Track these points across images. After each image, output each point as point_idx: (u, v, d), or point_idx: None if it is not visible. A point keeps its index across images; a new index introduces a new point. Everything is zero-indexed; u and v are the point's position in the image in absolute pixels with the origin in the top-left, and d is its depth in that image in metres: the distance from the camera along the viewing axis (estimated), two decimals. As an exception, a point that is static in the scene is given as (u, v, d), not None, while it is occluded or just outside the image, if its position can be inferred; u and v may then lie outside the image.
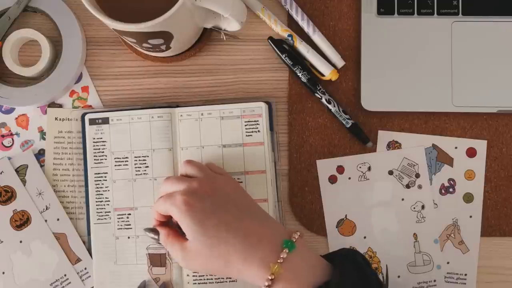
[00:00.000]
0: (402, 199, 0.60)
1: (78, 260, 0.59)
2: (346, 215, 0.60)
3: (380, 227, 0.59)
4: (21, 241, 0.59)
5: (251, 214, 0.50)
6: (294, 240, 0.48)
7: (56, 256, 0.59)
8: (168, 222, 0.54)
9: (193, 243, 0.49)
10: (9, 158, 0.60)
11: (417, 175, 0.60)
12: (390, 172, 0.60)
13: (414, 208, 0.59)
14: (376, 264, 0.59)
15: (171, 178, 0.53)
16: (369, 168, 0.60)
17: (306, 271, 0.47)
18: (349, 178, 0.60)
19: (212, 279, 0.57)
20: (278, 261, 0.46)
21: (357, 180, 0.60)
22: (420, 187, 0.60)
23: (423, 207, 0.59)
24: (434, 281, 0.59)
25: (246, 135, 0.59)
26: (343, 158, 0.60)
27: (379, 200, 0.59)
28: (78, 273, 0.59)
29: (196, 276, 0.57)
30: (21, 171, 0.60)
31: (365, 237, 0.60)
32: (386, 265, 0.59)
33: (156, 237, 0.54)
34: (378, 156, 0.60)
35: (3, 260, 0.59)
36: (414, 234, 0.59)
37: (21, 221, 0.59)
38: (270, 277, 0.45)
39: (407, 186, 0.60)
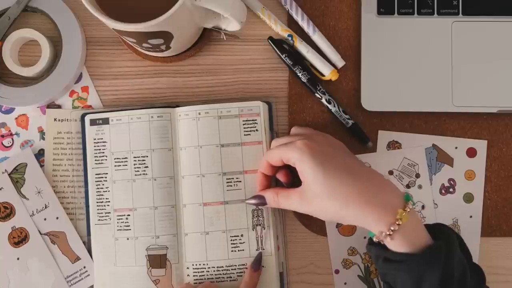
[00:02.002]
0: (402, 199, 0.60)
1: (78, 258, 0.59)
2: (346, 215, 0.60)
3: (380, 227, 0.59)
4: (18, 258, 0.59)
5: (368, 167, 0.52)
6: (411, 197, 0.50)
7: (52, 274, 0.59)
8: (268, 186, 0.56)
9: (312, 184, 0.50)
10: (8, 157, 0.60)
11: (417, 175, 0.60)
12: (390, 172, 0.60)
13: (415, 208, 0.59)
14: (376, 264, 0.59)
15: (283, 136, 0.56)
16: (369, 168, 0.60)
17: (421, 230, 0.48)
18: None
19: (212, 278, 0.57)
20: (406, 209, 0.47)
21: None
22: (420, 187, 0.60)
23: (423, 207, 0.59)
24: None
25: (245, 134, 0.59)
26: None
27: None
28: (77, 272, 0.59)
29: (197, 275, 0.57)
30: (20, 170, 0.60)
31: (365, 237, 0.59)
32: None
33: (261, 201, 0.55)
34: (378, 156, 0.60)
35: (0, 276, 0.59)
36: None
37: (19, 238, 0.59)
38: (397, 222, 0.47)
39: (407, 186, 0.60)
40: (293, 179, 0.56)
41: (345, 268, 0.60)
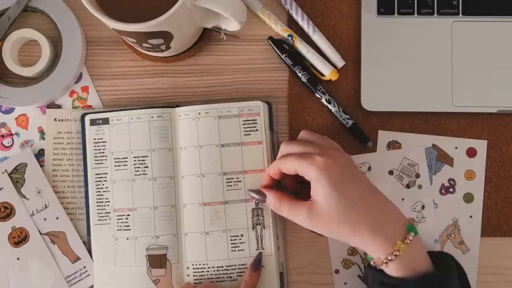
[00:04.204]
0: (402, 199, 0.60)
1: (78, 258, 0.59)
2: (346, 215, 0.60)
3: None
4: (18, 258, 0.59)
5: (378, 193, 0.52)
6: (416, 226, 0.51)
7: (52, 274, 0.59)
8: (272, 186, 0.56)
9: (324, 205, 0.50)
10: (8, 157, 0.60)
11: (417, 175, 0.60)
12: (390, 172, 0.60)
13: (414, 208, 0.59)
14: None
15: (294, 141, 0.55)
16: (369, 168, 0.60)
17: (420, 257, 0.49)
18: None
19: (212, 278, 0.57)
20: (405, 241, 0.48)
21: None
22: (420, 187, 0.60)
23: (423, 207, 0.59)
24: None
25: (245, 134, 0.59)
26: None
27: None
28: (77, 272, 0.59)
29: (197, 275, 0.57)
30: (20, 170, 0.60)
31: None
32: None
33: (262, 198, 0.55)
34: (378, 156, 0.60)
35: (0, 276, 0.59)
36: None
37: (19, 238, 0.59)
38: (395, 253, 0.48)
39: (407, 186, 0.60)
40: (297, 187, 0.57)
41: (345, 268, 0.60)
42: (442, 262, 0.50)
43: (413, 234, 0.49)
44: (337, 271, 0.60)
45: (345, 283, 0.60)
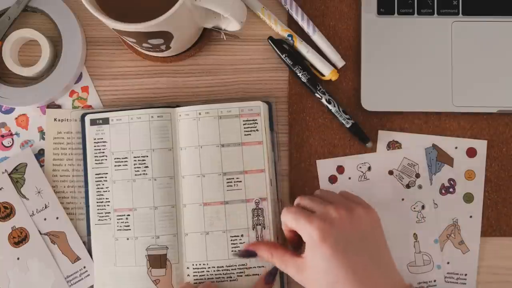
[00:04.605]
0: (402, 199, 0.60)
1: (78, 258, 0.59)
2: (346, 215, 0.60)
3: (380, 227, 0.59)
4: (18, 258, 0.59)
5: (378, 260, 0.49)
6: None
7: (52, 274, 0.59)
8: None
9: (311, 272, 0.48)
10: (8, 157, 0.60)
11: (417, 175, 0.60)
12: (390, 172, 0.60)
13: (414, 208, 0.59)
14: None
15: (307, 196, 0.52)
16: (369, 168, 0.60)
17: None
18: (349, 178, 0.60)
19: (212, 278, 0.57)
20: None
21: (357, 180, 0.60)
22: (420, 187, 0.60)
23: (423, 207, 0.59)
24: (434, 281, 0.59)
25: (245, 134, 0.59)
26: (343, 158, 0.60)
27: (379, 200, 0.59)
28: (77, 272, 0.59)
29: (197, 276, 0.57)
30: (20, 170, 0.60)
31: None
32: None
33: (253, 256, 0.54)
34: (378, 156, 0.60)
35: (0, 276, 0.59)
36: (414, 234, 0.59)
37: (19, 238, 0.59)
38: None
39: (407, 186, 0.60)
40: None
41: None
42: None
43: None
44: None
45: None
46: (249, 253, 0.55)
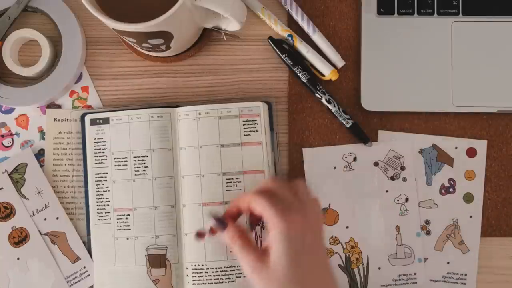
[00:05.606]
0: (386, 191, 0.60)
1: (78, 259, 0.59)
2: (329, 204, 0.60)
3: (363, 217, 0.59)
4: (18, 258, 0.59)
5: (329, 270, 0.49)
6: None
7: (52, 274, 0.59)
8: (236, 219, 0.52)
9: (275, 265, 0.46)
10: (8, 157, 0.60)
11: (402, 168, 0.60)
12: (376, 164, 0.60)
13: (398, 200, 0.59)
14: (358, 254, 0.59)
15: (279, 181, 0.51)
16: (354, 159, 0.60)
17: None
18: (334, 168, 0.60)
19: (211, 279, 0.57)
20: None
21: (342, 170, 0.60)
22: (404, 179, 0.60)
23: (406, 199, 0.59)
24: (415, 274, 0.59)
25: (245, 135, 0.59)
26: (329, 147, 0.60)
27: (363, 190, 0.59)
28: (77, 272, 0.59)
29: (196, 276, 0.57)
30: (20, 170, 0.60)
31: (347, 227, 0.59)
32: (367, 256, 0.59)
33: (221, 226, 0.50)
34: (364, 147, 0.60)
35: (0, 276, 0.59)
36: (397, 226, 0.59)
37: (19, 238, 0.59)
38: None
39: (392, 178, 0.60)
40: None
41: (326, 257, 0.59)
42: None
43: None
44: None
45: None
46: (222, 223, 0.50)
